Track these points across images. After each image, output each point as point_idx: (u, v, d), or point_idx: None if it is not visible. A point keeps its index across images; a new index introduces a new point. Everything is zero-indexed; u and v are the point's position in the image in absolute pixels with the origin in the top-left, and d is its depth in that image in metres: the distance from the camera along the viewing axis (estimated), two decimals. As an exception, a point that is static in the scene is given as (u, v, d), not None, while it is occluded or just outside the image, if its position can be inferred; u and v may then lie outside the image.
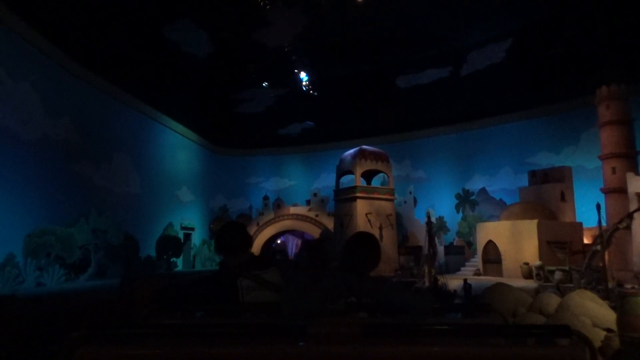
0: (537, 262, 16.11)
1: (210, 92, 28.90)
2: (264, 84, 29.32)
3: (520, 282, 16.53)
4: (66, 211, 18.37)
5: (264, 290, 2.45)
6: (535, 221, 17.86)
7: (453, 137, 31.44)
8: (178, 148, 30.14)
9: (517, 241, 18.33)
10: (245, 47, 24.99)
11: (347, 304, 2.03)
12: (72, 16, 19.49)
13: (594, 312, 5.38)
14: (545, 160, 26.59)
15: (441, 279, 14.21)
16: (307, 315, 1.88)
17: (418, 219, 30.44)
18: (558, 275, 15.11)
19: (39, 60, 18.36)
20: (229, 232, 2.75)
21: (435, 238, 19.73)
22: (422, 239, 28.53)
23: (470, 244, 25.76)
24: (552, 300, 5.91)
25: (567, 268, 15.27)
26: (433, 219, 30.17)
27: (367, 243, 2.29)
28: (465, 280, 13.42)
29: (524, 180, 27.36)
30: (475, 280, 16.75)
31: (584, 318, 5.20)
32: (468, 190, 28.47)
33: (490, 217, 26.10)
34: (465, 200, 28.12)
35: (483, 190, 28.68)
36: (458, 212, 29.00)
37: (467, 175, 30.33)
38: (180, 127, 30.07)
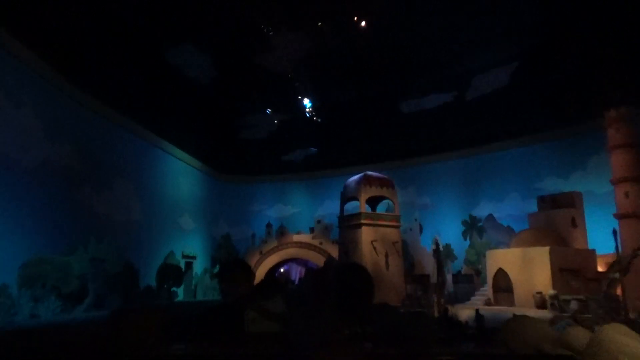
0: (551, 291, 15.45)
1: (213, 118, 28.80)
2: (267, 111, 29.20)
3: (534, 312, 15.84)
4: (64, 239, 17.93)
5: (270, 321, 2.47)
6: (547, 248, 17.26)
7: (458, 163, 31.00)
8: (180, 175, 29.78)
9: (528, 269, 17.69)
10: (248, 73, 24.97)
11: (351, 333, 2.03)
12: (74, 42, 19.47)
13: (631, 349, 4.83)
14: (553, 185, 26.06)
15: (451, 309, 13.55)
16: (312, 345, 1.86)
17: (424, 247, 29.81)
18: (574, 305, 14.45)
19: (39, 86, 18.21)
20: (232, 268, 2.92)
21: (444, 266, 19.08)
22: (428, 267, 27.92)
23: (479, 272, 25.05)
24: (581, 335, 5.35)
25: (583, 297, 14.61)
26: (440, 246, 29.64)
27: (358, 275, 2.24)
28: (477, 310, 12.76)
29: (531, 206, 26.72)
30: (487, 310, 16.07)
31: (621, 356, 4.66)
32: (475, 217, 27.89)
33: (499, 244, 25.42)
34: (472, 227, 27.53)
35: (490, 216, 28.08)
36: (465, 239, 28.35)
37: (473, 201, 29.76)
38: (182, 154, 29.81)
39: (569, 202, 20.28)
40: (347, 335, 2.03)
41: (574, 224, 19.72)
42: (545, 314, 15.22)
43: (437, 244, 15.46)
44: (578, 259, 17.69)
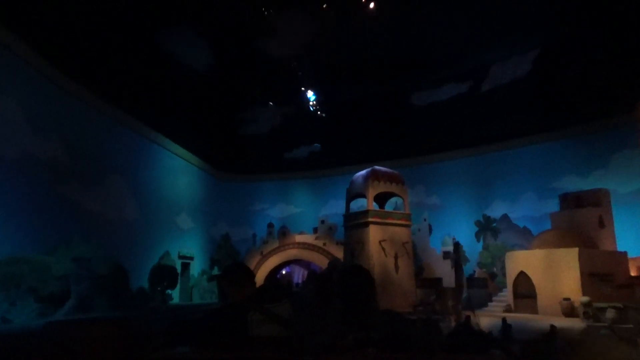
0: (584, 298, 13.82)
1: (212, 111, 27.29)
2: (269, 103, 27.71)
3: (562, 321, 14.25)
4: (45, 237, 16.54)
5: (274, 324, 2.41)
6: (575, 250, 15.63)
7: (470, 161, 29.52)
8: (178, 172, 28.48)
9: (553, 273, 16.06)
10: (248, 61, 23.46)
11: (355, 338, 1.98)
12: (62, 27, 18.15)
13: None
14: (571, 185, 24.45)
15: (474, 318, 11.96)
16: (316, 350, 1.87)
17: (434, 248, 28.34)
18: (610, 313, 12.85)
19: (23, 73, 16.91)
20: (233, 271, 2.84)
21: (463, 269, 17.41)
22: (438, 270, 26.36)
23: (494, 276, 23.44)
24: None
25: (620, 305, 13.01)
26: (450, 248, 27.99)
27: (361, 278, 2.21)
28: (504, 319, 11.21)
29: (549, 207, 25.33)
30: (508, 319, 14.51)
31: None
32: (489, 217, 26.27)
33: (514, 247, 23.89)
34: (486, 228, 25.89)
35: (505, 217, 26.51)
36: (478, 240, 26.72)
37: (486, 201, 28.24)
38: (180, 150, 28.48)
39: (595, 200, 18.66)
40: (352, 340, 1.97)
41: (601, 224, 18.07)
42: (576, 323, 13.62)
43: (457, 244, 13.79)
44: (609, 263, 16.07)
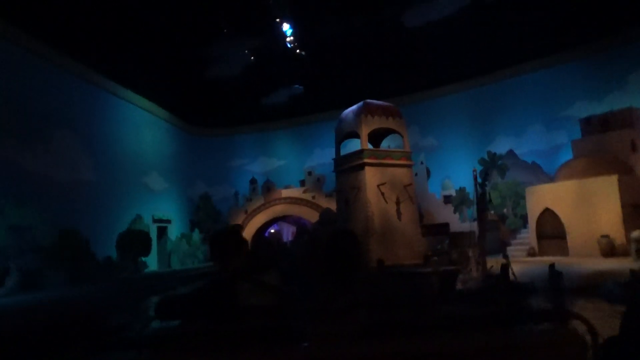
0: (636, 233, 11.32)
1: (174, 50, 23.68)
2: (238, 39, 24.11)
3: (604, 263, 11.83)
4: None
5: (265, 293, 2.39)
6: (614, 177, 13.07)
7: (469, 94, 26.91)
8: (142, 126, 25.37)
9: (587, 207, 13.54)
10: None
11: (345, 301, 1.94)
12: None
13: None
14: (584, 111, 21.73)
15: (511, 268, 9.37)
16: (308, 315, 1.86)
17: (433, 193, 25.94)
18: (671, 250, 10.40)
19: None
20: (222, 239, 2.74)
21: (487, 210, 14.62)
22: (439, 217, 23.97)
23: (505, 218, 21.05)
24: None
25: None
26: (451, 191, 25.60)
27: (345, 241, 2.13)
28: (552, 265, 8.61)
29: (559, 137, 23.12)
30: (532, 264, 12.04)
31: None
32: (495, 154, 23.67)
33: (522, 184, 21.51)
34: (492, 165, 23.28)
35: (511, 152, 23.99)
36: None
37: (488, 137, 25.79)
38: (143, 101, 25.26)
39: (624, 121, 15.91)
40: (341, 304, 1.91)
41: (633, 147, 15.41)
42: (625, 263, 11.17)
43: (483, 178, 10.97)
44: (652, 190, 13.57)
